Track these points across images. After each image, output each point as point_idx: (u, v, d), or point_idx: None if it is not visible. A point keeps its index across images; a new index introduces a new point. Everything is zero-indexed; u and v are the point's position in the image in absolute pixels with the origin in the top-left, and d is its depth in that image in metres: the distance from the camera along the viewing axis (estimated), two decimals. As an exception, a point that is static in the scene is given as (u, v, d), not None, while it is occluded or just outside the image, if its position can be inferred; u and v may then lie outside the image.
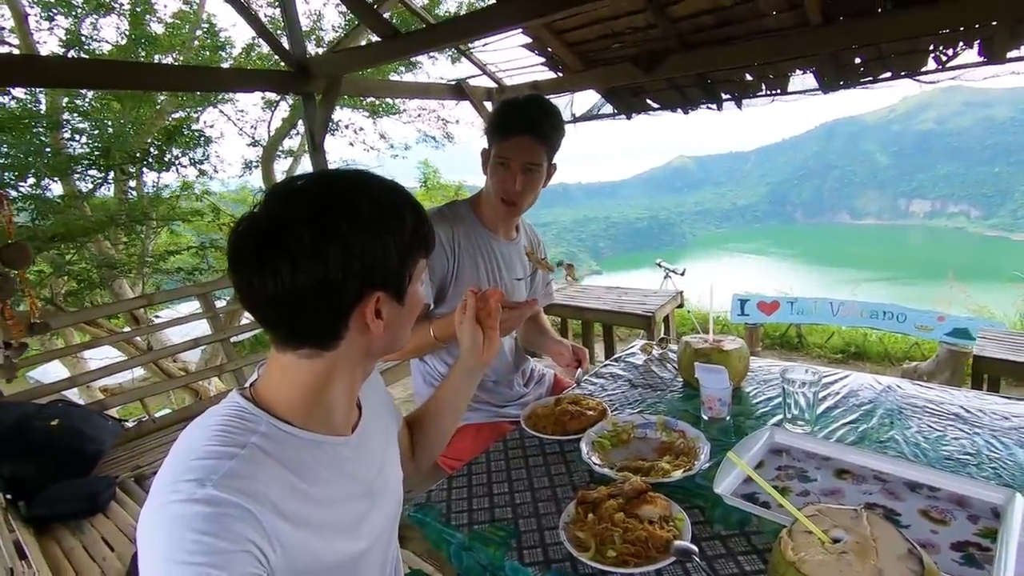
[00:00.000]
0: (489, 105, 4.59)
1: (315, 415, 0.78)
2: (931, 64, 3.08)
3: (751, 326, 5.19)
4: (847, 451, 1.26)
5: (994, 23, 2.68)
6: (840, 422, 1.43)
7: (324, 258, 0.67)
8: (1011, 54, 2.82)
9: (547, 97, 1.71)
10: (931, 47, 3.02)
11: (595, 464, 1.28)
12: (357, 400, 0.89)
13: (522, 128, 1.47)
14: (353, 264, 0.69)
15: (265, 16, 6.56)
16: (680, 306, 4.59)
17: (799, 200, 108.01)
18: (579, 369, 1.77)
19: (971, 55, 2.92)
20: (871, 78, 3.30)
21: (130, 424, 2.85)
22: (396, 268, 0.74)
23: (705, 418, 1.50)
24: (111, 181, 5.52)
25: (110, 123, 5.52)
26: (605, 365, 1.98)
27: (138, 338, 5.05)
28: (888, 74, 3.24)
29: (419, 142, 8.33)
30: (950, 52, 2.99)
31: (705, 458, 1.26)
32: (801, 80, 3.54)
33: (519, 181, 1.51)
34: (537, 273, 1.85)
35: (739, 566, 0.97)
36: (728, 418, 1.48)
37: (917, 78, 3.17)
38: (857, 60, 3.27)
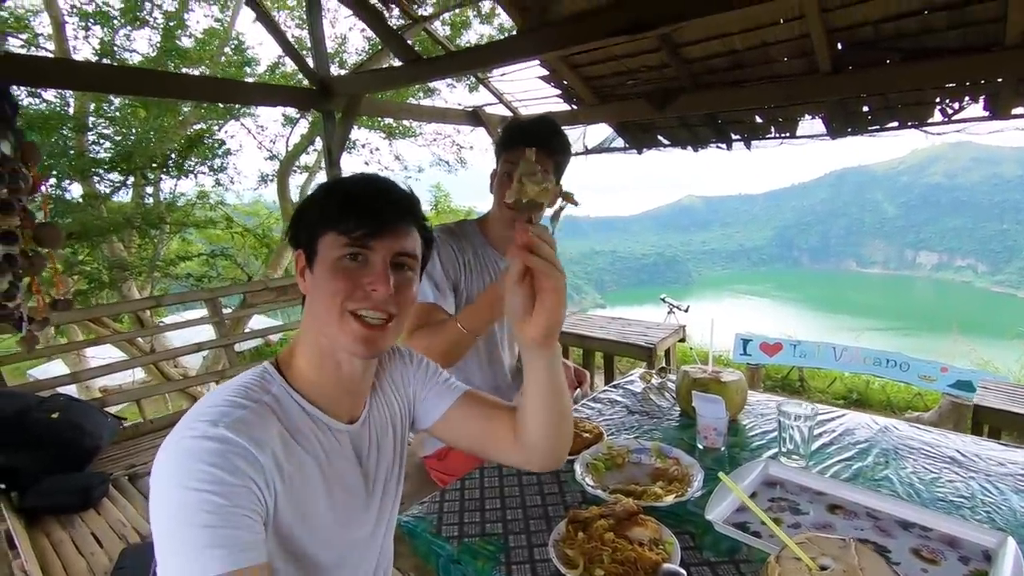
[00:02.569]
0: (503, 132, 4.69)
1: (319, 393, 0.86)
2: (937, 116, 3.14)
3: (753, 366, 5.17)
4: (840, 487, 1.26)
5: (999, 80, 2.75)
6: (835, 459, 1.43)
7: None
8: (1016, 111, 2.88)
9: (546, 115, 1.77)
10: (937, 99, 3.09)
11: (588, 485, 1.28)
12: (370, 396, 0.95)
13: (529, 141, 1.46)
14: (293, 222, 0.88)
15: (292, 36, 6.78)
16: (682, 340, 4.60)
17: (806, 245, 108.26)
18: (578, 389, 1.78)
19: (976, 109, 2.99)
20: (878, 126, 3.37)
21: (126, 424, 2.85)
22: (304, 230, 0.85)
23: (700, 447, 1.50)
24: (130, 185, 5.64)
25: (134, 129, 5.67)
26: (604, 391, 1.99)
27: (141, 340, 5.08)
28: (895, 124, 3.31)
29: (432, 165, 8.48)
30: (956, 105, 3.06)
31: (698, 485, 1.26)
32: (810, 125, 3.62)
33: None
34: None
35: (727, 592, 0.97)
36: (723, 448, 1.49)
37: (923, 129, 3.23)
38: (865, 108, 3.34)
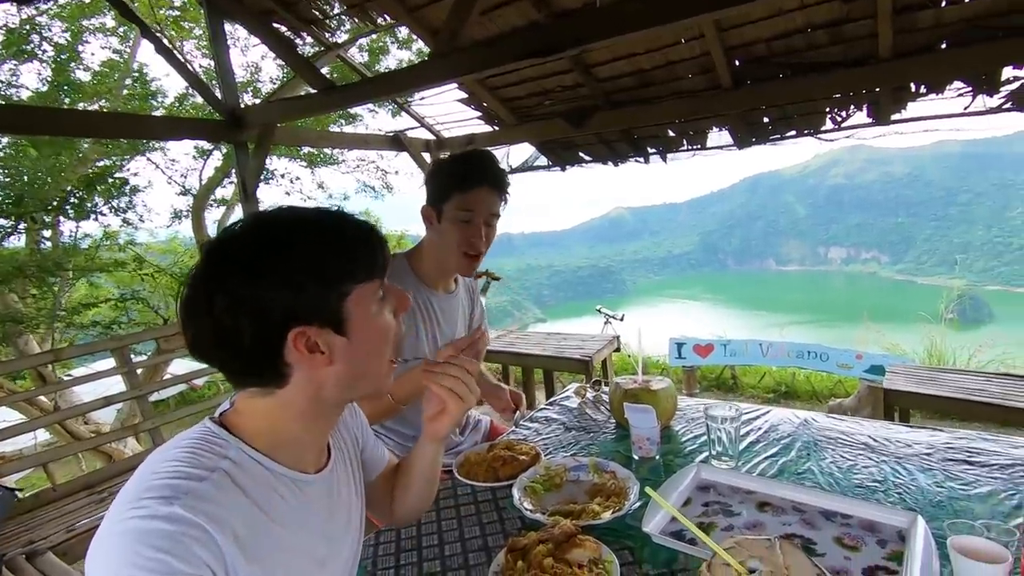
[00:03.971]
0: (427, 156, 4.67)
1: (282, 448, 0.77)
2: (829, 124, 3.41)
3: (688, 369, 5.34)
4: (768, 484, 1.30)
5: (877, 89, 3.02)
6: (762, 456, 1.48)
7: (213, 310, 0.67)
8: (895, 116, 3.16)
9: (485, 149, 1.75)
10: (828, 109, 3.35)
11: (527, 510, 1.26)
12: (328, 443, 0.89)
13: (483, 181, 1.47)
14: (243, 307, 0.67)
15: (199, 66, 6.50)
16: (617, 350, 4.69)
17: (729, 248, 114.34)
18: (517, 412, 1.76)
19: (862, 117, 3.27)
20: (778, 135, 3.61)
21: (27, 493, 2.57)
22: (316, 298, 0.70)
23: (636, 458, 1.52)
24: (22, 231, 5.16)
25: (24, 170, 5.22)
26: (540, 409, 1.98)
27: (43, 398, 4.62)
28: (793, 132, 3.55)
29: (358, 192, 8.31)
30: (844, 114, 3.33)
31: (635, 498, 1.27)
32: (718, 136, 3.82)
33: (484, 233, 1.51)
34: (473, 317, 1.85)
35: (666, 605, 0.96)
36: (657, 457, 1.51)
37: (818, 136, 3.49)
38: (765, 119, 3.57)
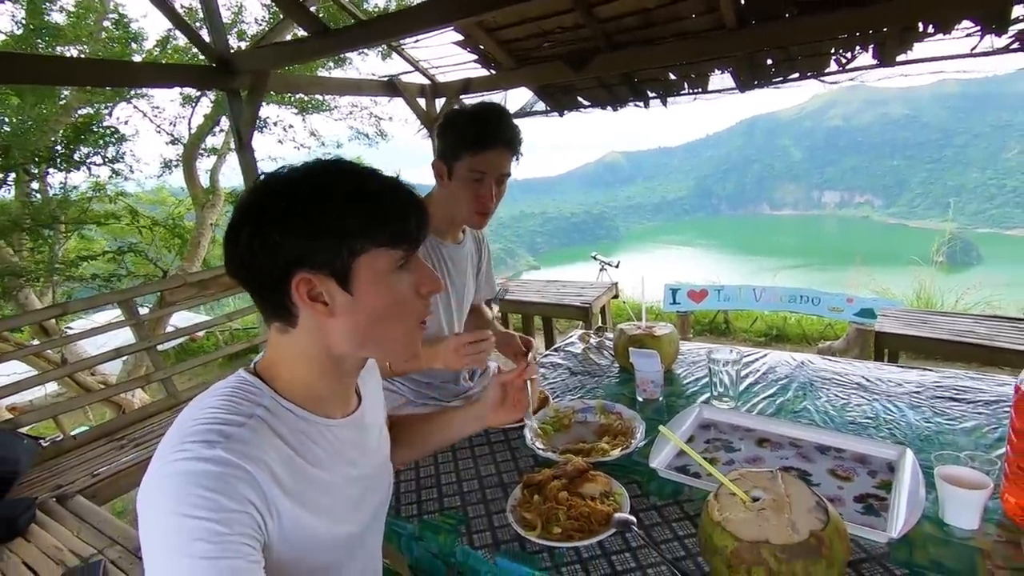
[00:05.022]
0: (422, 102, 4.57)
1: (311, 397, 0.81)
2: (833, 66, 3.35)
3: (682, 314, 5.44)
4: (766, 422, 1.38)
5: (885, 29, 2.96)
6: (760, 396, 1.56)
7: (239, 239, 0.72)
8: (900, 58, 3.11)
9: (482, 94, 1.71)
10: (832, 50, 3.28)
11: (539, 449, 1.34)
12: (358, 389, 0.93)
13: (496, 141, 1.46)
14: (261, 243, 0.71)
15: (181, 7, 6.21)
16: (615, 297, 4.76)
17: (723, 193, 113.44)
18: (529, 354, 1.82)
19: (867, 58, 3.21)
20: (782, 78, 3.55)
21: (46, 443, 2.66)
22: (326, 250, 0.72)
23: (640, 400, 1.59)
24: (11, 183, 5.05)
25: (7, 119, 5.06)
26: (546, 355, 2.05)
27: (50, 351, 4.67)
28: (796, 75, 3.49)
29: (352, 139, 8.12)
30: (849, 55, 3.27)
31: (641, 436, 1.34)
32: (720, 79, 3.76)
33: (495, 193, 1.51)
34: (481, 269, 1.88)
35: (673, 531, 1.05)
36: (661, 398, 1.58)
37: (822, 78, 3.44)
38: (769, 61, 3.50)
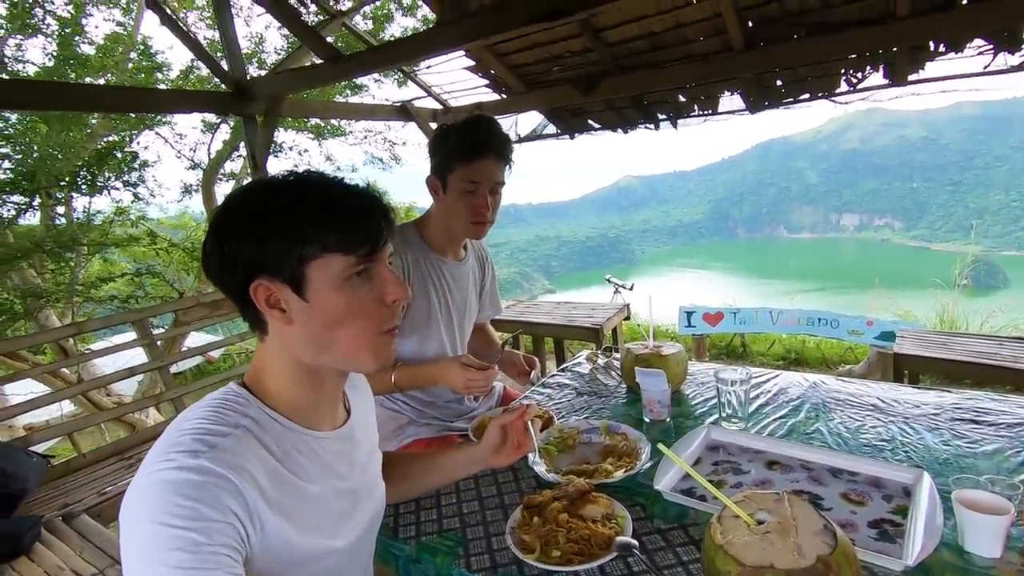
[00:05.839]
0: (435, 126, 4.64)
1: (297, 408, 0.81)
2: (843, 86, 3.33)
3: (698, 337, 5.36)
4: (777, 444, 1.33)
5: (894, 49, 2.94)
6: (771, 417, 1.51)
7: (205, 252, 0.76)
8: (912, 77, 3.09)
9: (487, 115, 1.72)
10: (842, 71, 3.27)
11: (541, 471, 1.31)
12: (346, 403, 0.94)
13: (487, 150, 1.47)
14: (220, 253, 0.74)
15: (204, 38, 6.43)
16: (627, 318, 4.71)
17: (740, 216, 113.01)
18: (532, 372, 1.80)
19: (877, 78, 3.19)
20: (792, 99, 3.54)
21: (57, 461, 2.67)
22: (278, 255, 0.72)
23: (647, 420, 1.55)
24: (37, 207, 5.21)
25: (35, 146, 5.24)
26: (552, 375, 2.02)
27: (66, 370, 4.75)
28: (807, 95, 3.48)
29: (366, 164, 8.27)
30: (859, 75, 3.25)
31: (646, 458, 1.31)
32: (730, 101, 3.75)
33: (490, 202, 1.52)
34: (484, 287, 1.87)
35: (677, 556, 1.01)
36: (668, 419, 1.54)
37: (832, 99, 3.42)
38: (778, 83, 3.50)
